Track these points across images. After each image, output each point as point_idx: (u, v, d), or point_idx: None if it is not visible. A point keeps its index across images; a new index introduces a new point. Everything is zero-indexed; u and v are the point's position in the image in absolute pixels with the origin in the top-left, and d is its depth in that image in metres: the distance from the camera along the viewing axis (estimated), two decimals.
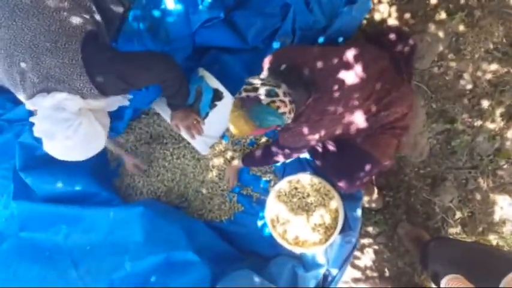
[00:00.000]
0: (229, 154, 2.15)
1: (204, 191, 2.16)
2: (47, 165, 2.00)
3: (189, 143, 2.13)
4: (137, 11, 1.96)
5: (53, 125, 1.36)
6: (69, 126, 1.37)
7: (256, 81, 1.42)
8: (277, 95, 1.39)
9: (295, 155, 1.82)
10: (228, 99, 1.93)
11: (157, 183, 2.22)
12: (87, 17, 1.50)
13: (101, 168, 2.18)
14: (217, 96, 1.94)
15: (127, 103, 1.75)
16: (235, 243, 2.09)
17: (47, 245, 2.01)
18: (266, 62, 1.68)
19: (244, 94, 1.41)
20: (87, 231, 1.99)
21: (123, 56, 1.55)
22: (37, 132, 1.40)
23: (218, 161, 2.15)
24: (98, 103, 1.49)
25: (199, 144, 1.97)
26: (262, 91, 1.39)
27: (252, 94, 1.39)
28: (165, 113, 1.93)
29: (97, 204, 2.06)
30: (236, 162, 2.06)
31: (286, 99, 1.42)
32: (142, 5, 1.97)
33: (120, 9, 1.80)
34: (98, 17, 1.59)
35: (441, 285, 1.23)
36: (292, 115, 1.46)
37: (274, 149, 1.80)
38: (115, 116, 2.17)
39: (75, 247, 1.98)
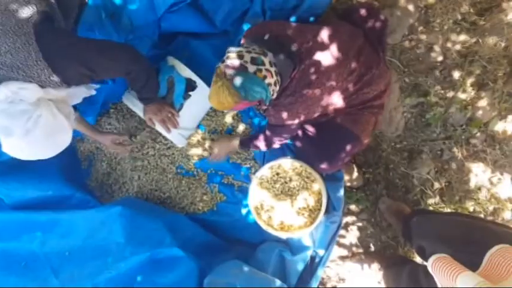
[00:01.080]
0: (207, 144, 2.10)
1: (183, 183, 2.10)
2: (14, 171, 1.89)
3: (164, 137, 2.05)
4: None
5: (9, 120, 1.23)
6: (28, 119, 1.24)
7: (241, 49, 1.35)
8: (263, 63, 1.33)
9: (276, 140, 1.79)
10: (201, 88, 1.85)
11: (133, 179, 2.14)
12: None
13: (72, 170, 2.08)
14: (190, 86, 1.86)
15: (93, 93, 1.60)
16: (220, 234, 2.07)
17: (22, 254, 1.91)
18: (247, 33, 1.61)
19: (228, 62, 1.32)
20: (65, 236, 1.90)
21: (84, 41, 1.43)
22: None
23: (196, 152, 2.09)
24: (58, 93, 1.37)
25: (176, 137, 1.90)
26: (247, 58, 1.32)
27: (236, 62, 1.31)
28: (137, 108, 1.84)
29: (72, 207, 1.97)
30: (236, 143, 1.96)
31: (272, 69, 1.36)
32: None
33: None
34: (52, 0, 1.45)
35: (428, 263, 1.25)
36: (277, 88, 1.40)
37: (268, 133, 1.77)
38: (81, 112, 2.06)
39: (54, 254, 1.89)
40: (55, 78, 1.29)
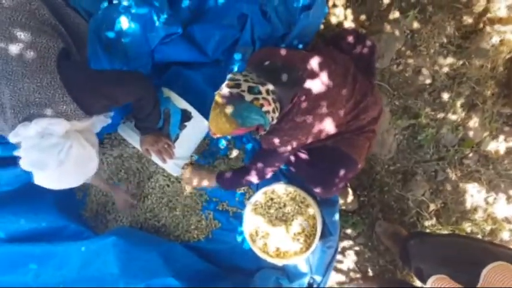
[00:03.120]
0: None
1: (178, 211, 2.10)
2: (9, 204, 1.89)
3: (158, 166, 2.06)
4: (91, 31, 1.88)
5: (42, 154, 1.30)
6: (60, 151, 1.31)
7: (239, 77, 1.38)
8: (260, 93, 1.36)
9: (269, 171, 1.78)
10: (196, 119, 1.89)
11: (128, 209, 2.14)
12: (56, 34, 1.44)
13: (66, 200, 2.07)
14: (185, 116, 1.89)
15: (109, 121, 1.70)
16: (216, 262, 2.03)
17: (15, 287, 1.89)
18: (251, 59, 1.65)
19: (225, 90, 1.35)
20: (59, 268, 1.88)
21: (101, 73, 1.52)
22: (25, 165, 1.33)
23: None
24: (82, 124, 1.44)
25: (171, 167, 1.91)
26: (244, 87, 1.35)
27: (234, 90, 1.34)
28: (133, 139, 1.86)
29: (67, 238, 1.95)
30: (206, 184, 1.96)
31: (270, 97, 1.38)
32: (97, 25, 1.90)
33: (84, 25, 1.74)
34: (65, 34, 1.53)
35: (427, 284, 1.23)
36: (276, 114, 1.43)
37: (247, 166, 1.77)
38: None
39: (48, 286, 1.87)
40: (80, 111, 1.36)
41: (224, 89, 1.36)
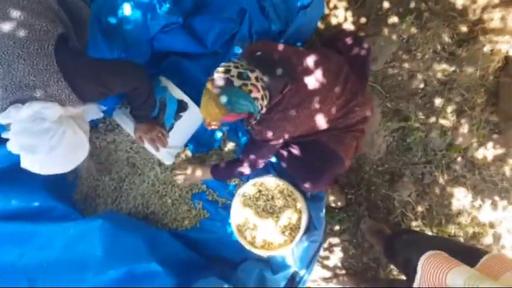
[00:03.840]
0: (193, 161, 2.13)
1: (168, 199, 2.12)
2: None
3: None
4: (92, 15, 1.90)
5: (32, 138, 1.28)
6: (52, 136, 1.29)
7: (229, 64, 1.42)
8: (249, 78, 1.39)
9: (260, 162, 1.81)
10: (192, 109, 1.91)
11: (117, 193, 2.15)
12: (57, 20, 1.44)
13: (57, 182, 2.07)
14: (181, 107, 1.92)
15: (101, 115, 1.71)
16: (201, 251, 2.05)
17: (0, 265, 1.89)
18: (245, 50, 1.69)
19: (216, 75, 1.39)
20: (43, 247, 1.87)
21: (99, 62, 1.52)
22: (13, 148, 1.31)
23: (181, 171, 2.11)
24: (75, 110, 1.43)
25: (164, 155, 1.93)
26: (234, 73, 1.38)
27: (223, 75, 1.38)
28: (127, 126, 1.88)
29: (54, 219, 1.95)
30: (200, 174, 2.00)
31: (259, 84, 1.42)
32: (99, 8, 1.92)
33: (87, 10, 1.74)
34: (67, 20, 1.53)
35: (419, 266, 1.25)
36: (265, 102, 1.45)
37: (240, 158, 1.80)
38: None
39: (31, 265, 1.86)
40: (74, 96, 1.35)
41: (214, 75, 1.40)
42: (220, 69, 1.41)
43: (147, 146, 1.88)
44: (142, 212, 2.13)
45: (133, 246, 1.85)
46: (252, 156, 1.78)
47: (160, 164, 2.11)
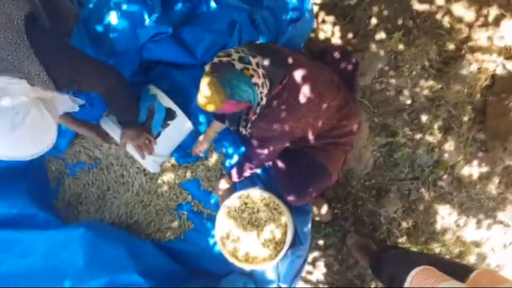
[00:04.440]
0: (180, 171, 2.11)
1: (152, 209, 2.09)
2: None
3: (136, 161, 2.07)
4: (81, 21, 1.90)
5: None
6: (15, 114, 1.20)
7: (230, 50, 1.39)
8: (250, 63, 1.36)
9: (247, 168, 1.81)
10: (180, 118, 1.90)
11: (100, 201, 2.13)
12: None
13: (39, 188, 2.06)
14: (170, 115, 1.91)
15: (76, 109, 1.57)
16: (185, 263, 2.03)
17: None
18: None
19: (216, 59, 1.36)
20: (23, 255, 1.85)
21: (75, 50, 1.44)
22: None
23: (168, 178, 2.10)
24: (46, 93, 1.35)
25: (150, 163, 1.91)
26: (235, 56, 1.36)
27: (224, 59, 1.35)
28: (114, 132, 1.87)
29: (34, 226, 1.93)
30: (224, 183, 1.98)
31: (260, 71, 1.39)
32: (86, 16, 1.92)
33: (69, 4, 1.68)
34: (38, 3, 1.44)
35: (407, 280, 1.23)
36: (265, 91, 1.42)
37: (242, 159, 1.79)
38: (57, 133, 2.07)
39: (10, 273, 1.83)
40: (45, 76, 1.29)
41: (214, 59, 1.37)
42: (221, 53, 1.38)
43: (133, 152, 1.86)
44: (126, 221, 2.10)
45: (116, 256, 1.82)
46: (247, 164, 1.78)
47: (145, 173, 2.09)
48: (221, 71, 1.33)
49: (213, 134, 2.03)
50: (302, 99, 1.52)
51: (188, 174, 2.11)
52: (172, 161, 2.11)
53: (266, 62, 1.43)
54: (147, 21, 1.92)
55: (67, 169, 2.15)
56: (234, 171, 1.87)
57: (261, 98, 1.44)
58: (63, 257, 1.81)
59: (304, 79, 1.52)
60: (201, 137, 2.04)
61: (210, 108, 1.40)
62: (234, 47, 1.45)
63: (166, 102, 1.90)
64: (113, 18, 1.87)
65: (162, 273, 1.90)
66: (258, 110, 1.49)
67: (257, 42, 1.60)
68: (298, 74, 1.51)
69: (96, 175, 2.13)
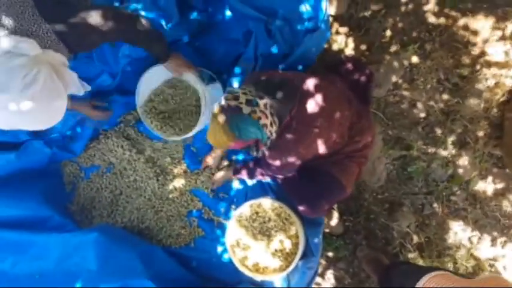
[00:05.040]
0: (192, 176, 2.13)
1: (163, 215, 2.10)
2: None
3: (151, 163, 2.11)
4: None
5: (5, 74, 1.15)
6: (26, 74, 1.16)
7: (237, 91, 1.41)
8: (257, 105, 1.39)
9: (259, 173, 1.83)
10: (218, 85, 2.01)
11: (113, 206, 2.15)
12: None
13: (54, 191, 2.09)
14: (212, 78, 2.02)
15: (81, 93, 1.49)
16: (195, 270, 2.03)
17: None
18: (246, 79, 1.71)
19: (224, 102, 1.38)
20: (37, 258, 1.88)
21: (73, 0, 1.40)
22: None
23: (179, 184, 2.11)
24: (58, 57, 1.31)
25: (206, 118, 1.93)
26: (242, 100, 1.38)
27: (232, 103, 1.37)
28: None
29: (49, 229, 1.96)
30: (221, 174, 2.05)
31: (267, 111, 1.41)
32: None
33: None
34: None
35: (422, 279, 1.22)
36: (274, 129, 1.45)
37: (254, 164, 1.81)
38: (73, 136, 2.12)
39: (23, 275, 1.86)
40: (52, 35, 1.26)
41: (223, 101, 1.40)
42: (229, 95, 1.40)
43: (185, 76, 1.90)
44: (137, 226, 2.12)
45: (128, 261, 1.84)
46: (259, 170, 1.79)
47: (158, 179, 2.11)
48: (229, 115, 1.37)
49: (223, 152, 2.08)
50: (311, 126, 1.53)
51: (199, 182, 2.12)
52: (184, 167, 2.13)
53: (274, 101, 1.46)
54: (164, 28, 1.94)
55: (82, 173, 2.19)
56: (244, 172, 1.89)
57: (271, 134, 1.47)
58: (76, 260, 1.83)
59: (313, 106, 1.53)
60: (217, 151, 2.07)
61: (220, 146, 1.47)
62: (242, 86, 1.47)
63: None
64: None
65: (171, 280, 1.90)
66: (268, 143, 1.51)
67: (262, 76, 1.60)
68: (305, 103, 1.52)
69: (110, 179, 2.16)
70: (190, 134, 1.96)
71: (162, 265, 1.93)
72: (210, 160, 2.08)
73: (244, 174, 1.85)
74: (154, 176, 2.10)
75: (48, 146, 2.05)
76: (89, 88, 1.53)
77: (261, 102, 1.41)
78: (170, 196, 2.11)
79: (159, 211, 2.11)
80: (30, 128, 1.29)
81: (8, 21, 1.23)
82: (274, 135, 1.49)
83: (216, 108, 1.41)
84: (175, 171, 2.11)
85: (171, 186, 2.11)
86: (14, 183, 1.96)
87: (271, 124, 1.43)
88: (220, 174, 2.07)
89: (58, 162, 2.18)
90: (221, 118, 1.37)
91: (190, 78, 1.94)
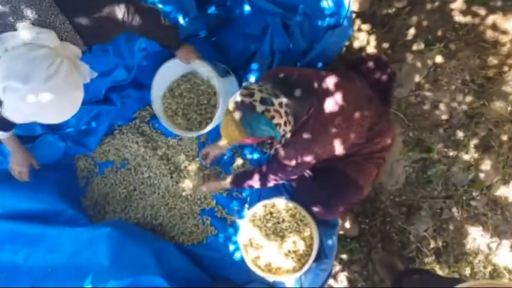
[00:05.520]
0: (205, 172, 2.10)
1: (176, 212, 2.09)
2: (10, 180, 1.91)
3: (166, 160, 2.10)
4: None
5: (28, 65, 1.14)
6: (50, 65, 1.16)
7: (253, 87, 1.38)
8: (272, 104, 1.35)
9: (272, 180, 1.76)
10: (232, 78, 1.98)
11: (127, 202, 2.14)
12: None
13: (68, 185, 2.09)
14: (226, 71, 1.99)
15: (87, 80, 1.43)
16: (206, 268, 2.02)
17: (4, 265, 1.88)
18: (263, 75, 1.66)
19: (238, 98, 1.36)
20: (50, 251, 1.87)
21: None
22: (3, 78, 1.14)
23: (192, 181, 2.09)
24: (76, 51, 1.32)
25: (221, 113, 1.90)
26: (257, 97, 1.35)
27: (246, 99, 1.35)
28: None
29: (62, 223, 1.95)
30: (226, 183, 1.95)
31: (282, 110, 1.37)
32: None
33: None
34: None
35: None
36: (288, 128, 1.41)
37: (265, 170, 1.74)
38: (88, 130, 2.10)
39: (36, 268, 1.86)
40: (68, 26, 1.27)
41: (237, 97, 1.37)
42: (244, 91, 1.37)
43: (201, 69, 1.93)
44: (150, 223, 2.10)
45: (140, 257, 1.83)
46: (272, 176, 1.73)
47: (171, 176, 2.09)
48: (242, 112, 1.34)
49: (228, 146, 2.01)
50: (329, 125, 1.49)
51: (213, 179, 2.10)
52: (198, 164, 2.10)
53: (290, 100, 1.42)
54: (182, 22, 1.90)
55: (96, 168, 2.17)
56: (256, 180, 1.79)
57: (285, 133, 1.43)
58: (89, 255, 1.82)
59: (331, 105, 1.48)
60: (220, 142, 1.98)
61: (232, 141, 1.44)
62: (259, 83, 1.43)
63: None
64: None
65: (183, 277, 1.89)
66: (282, 141, 1.47)
67: (280, 73, 1.54)
68: (324, 101, 1.47)
69: (124, 175, 2.14)
70: (206, 131, 1.93)
71: (173, 262, 1.91)
72: (213, 150, 2.00)
73: (256, 180, 1.79)
74: (169, 173, 2.08)
75: (63, 140, 2.04)
76: (95, 74, 1.49)
77: (276, 102, 1.37)
78: (184, 194, 2.08)
79: (172, 208, 2.09)
80: (46, 120, 1.27)
81: (28, 12, 1.22)
82: (289, 134, 1.44)
83: (230, 103, 1.38)
84: (190, 168, 2.08)
85: (184, 184, 2.08)
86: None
87: (285, 123, 1.39)
88: (210, 187, 2.01)
89: (72, 156, 2.17)
90: (234, 113, 1.35)
91: (205, 71, 1.90)
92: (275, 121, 1.35)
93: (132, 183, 2.13)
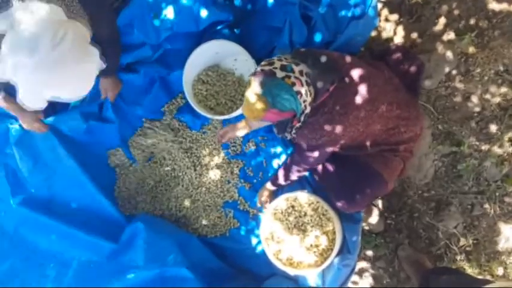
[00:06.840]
0: (229, 167, 2.11)
1: (200, 205, 2.11)
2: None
3: (190, 153, 2.13)
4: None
5: (32, 36, 1.13)
6: (55, 34, 1.14)
7: (273, 58, 1.39)
8: (292, 71, 1.34)
9: (295, 171, 1.75)
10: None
11: (153, 193, 2.18)
12: None
13: (102, 178, 2.10)
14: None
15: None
16: (228, 260, 2.03)
17: (52, 254, 1.98)
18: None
19: (259, 68, 1.37)
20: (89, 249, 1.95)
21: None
22: (9, 49, 1.14)
23: (216, 174, 2.10)
24: (83, 29, 1.29)
25: None
26: (277, 65, 1.35)
27: (266, 67, 1.35)
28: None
29: (95, 218, 2.01)
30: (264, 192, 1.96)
31: (303, 78, 1.36)
32: None
33: None
34: None
35: None
36: (309, 99, 1.39)
37: (290, 160, 1.75)
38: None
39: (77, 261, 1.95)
40: (77, 4, 1.29)
41: (257, 68, 1.38)
42: (264, 62, 1.38)
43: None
44: (175, 214, 2.14)
45: (167, 249, 1.87)
46: (295, 166, 1.72)
47: (195, 168, 2.11)
48: (262, 80, 1.32)
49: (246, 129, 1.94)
50: (350, 106, 1.45)
51: (236, 171, 2.10)
52: (221, 157, 2.11)
53: (311, 69, 1.39)
54: (210, 7, 1.88)
55: (126, 159, 2.19)
56: (280, 174, 1.81)
57: (305, 106, 1.39)
58: (125, 250, 1.90)
59: (354, 84, 1.44)
60: (239, 124, 1.92)
61: (254, 117, 1.40)
62: (278, 55, 1.42)
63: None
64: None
65: (206, 269, 1.91)
66: (302, 118, 1.45)
67: (302, 49, 1.54)
68: (346, 80, 1.44)
69: (152, 168, 2.18)
70: (236, 113, 1.94)
71: (197, 254, 1.94)
72: (232, 130, 1.93)
73: (281, 176, 1.78)
74: (192, 165, 2.10)
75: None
76: (104, 66, 1.39)
77: (297, 68, 1.35)
78: (207, 186, 2.10)
79: (196, 200, 2.12)
80: (62, 93, 1.23)
81: None
82: (308, 108, 1.41)
83: (250, 76, 1.38)
84: (213, 161, 2.10)
85: (208, 177, 2.10)
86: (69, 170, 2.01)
87: (306, 93, 1.36)
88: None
89: (105, 149, 2.18)
90: (254, 83, 1.34)
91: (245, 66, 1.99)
92: (296, 88, 1.33)
93: (158, 175, 2.17)
